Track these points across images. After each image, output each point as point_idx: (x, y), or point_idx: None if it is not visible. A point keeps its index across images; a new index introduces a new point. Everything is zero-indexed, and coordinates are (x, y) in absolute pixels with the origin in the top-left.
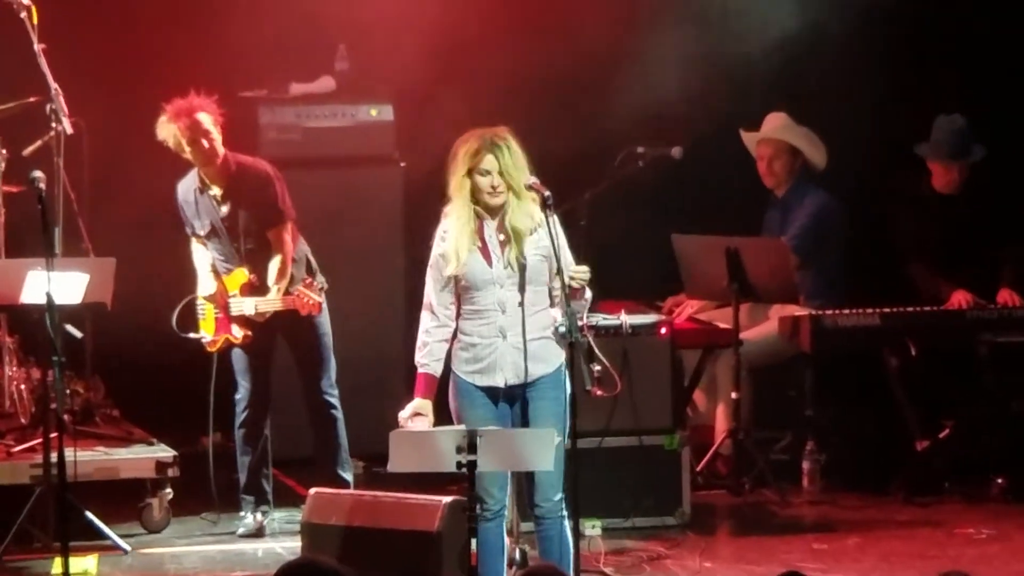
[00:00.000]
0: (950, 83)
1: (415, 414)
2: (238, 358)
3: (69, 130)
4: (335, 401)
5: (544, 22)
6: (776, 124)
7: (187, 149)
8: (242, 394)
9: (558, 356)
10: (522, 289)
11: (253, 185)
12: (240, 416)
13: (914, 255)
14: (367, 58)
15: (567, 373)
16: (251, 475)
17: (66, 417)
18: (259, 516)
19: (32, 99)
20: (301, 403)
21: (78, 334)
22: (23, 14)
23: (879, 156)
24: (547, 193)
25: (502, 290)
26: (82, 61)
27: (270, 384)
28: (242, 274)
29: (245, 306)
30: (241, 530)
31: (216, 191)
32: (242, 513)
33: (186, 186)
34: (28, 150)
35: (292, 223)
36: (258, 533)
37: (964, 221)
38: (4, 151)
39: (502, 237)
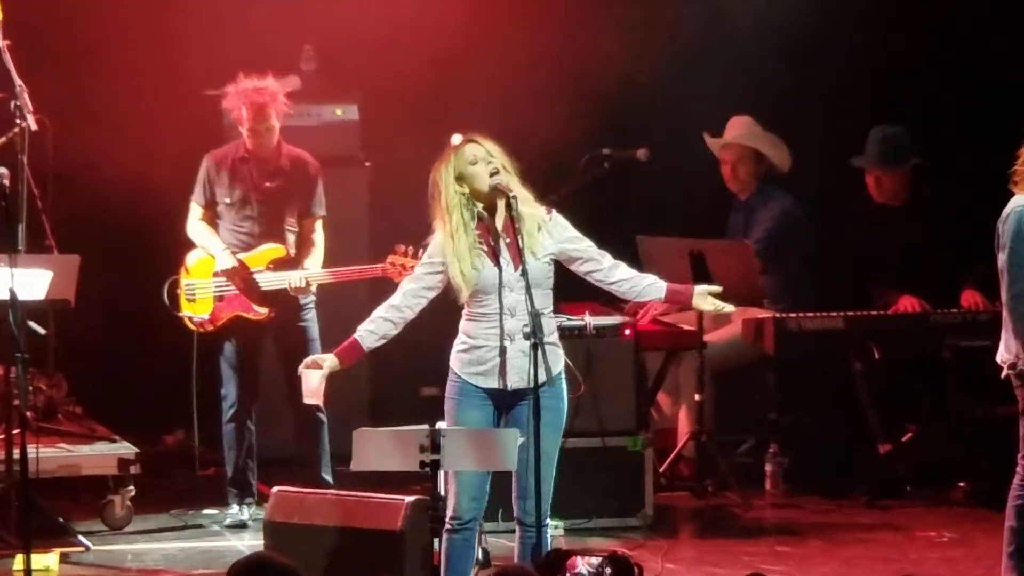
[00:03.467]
0: (900, 91)
1: (314, 363)
2: (228, 355)
3: (34, 127)
4: (321, 404)
5: (509, 23)
6: (740, 130)
7: (247, 126)
8: (229, 390)
9: (558, 363)
10: (528, 292)
11: (302, 173)
12: (228, 412)
13: (867, 266)
14: (333, 58)
15: (563, 378)
16: (237, 469)
17: (28, 414)
18: (244, 508)
19: None
20: (285, 404)
21: (41, 331)
22: None
23: (835, 163)
24: (512, 193)
25: (511, 294)
26: (47, 58)
27: (258, 382)
28: (278, 250)
29: (292, 278)
30: (227, 520)
31: (258, 167)
32: (229, 505)
33: (223, 153)
34: None
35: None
36: (243, 524)
37: (912, 230)
38: None
39: (508, 240)
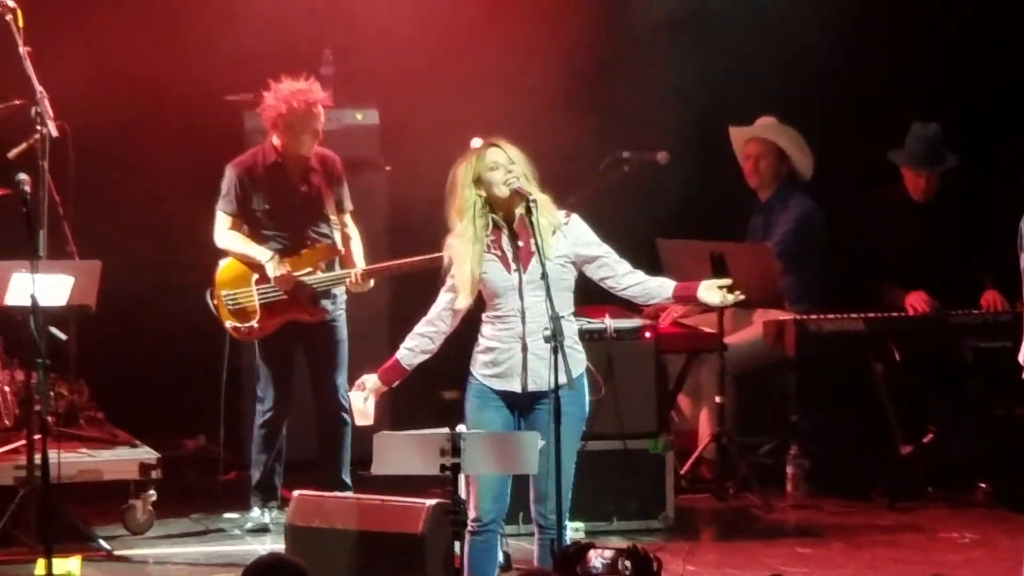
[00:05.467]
0: (926, 89)
1: (360, 384)
2: (263, 364)
3: (54, 133)
4: (347, 405)
5: (530, 27)
6: (766, 124)
7: (284, 132)
8: (267, 394)
9: (578, 367)
10: (546, 296)
11: (332, 170)
12: (263, 416)
13: (878, 266)
14: (353, 62)
15: (585, 383)
16: (265, 473)
17: (50, 419)
18: (267, 512)
19: (17, 102)
20: (309, 406)
21: (62, 336)
22: (8, 17)
23: (856, 163)
24: (533, 197)
25: (528, 296)
26: (67, 64)
27: (291, 388)
28: (329, 249)
29: (351, 273)
30: (249, 524)
31: (292, 170)
32: (251, 509)
33: (250, 161)
34: (13, 153)
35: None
36: (264, 529)
37: (939, 228)
38: None
39: (520, 244)
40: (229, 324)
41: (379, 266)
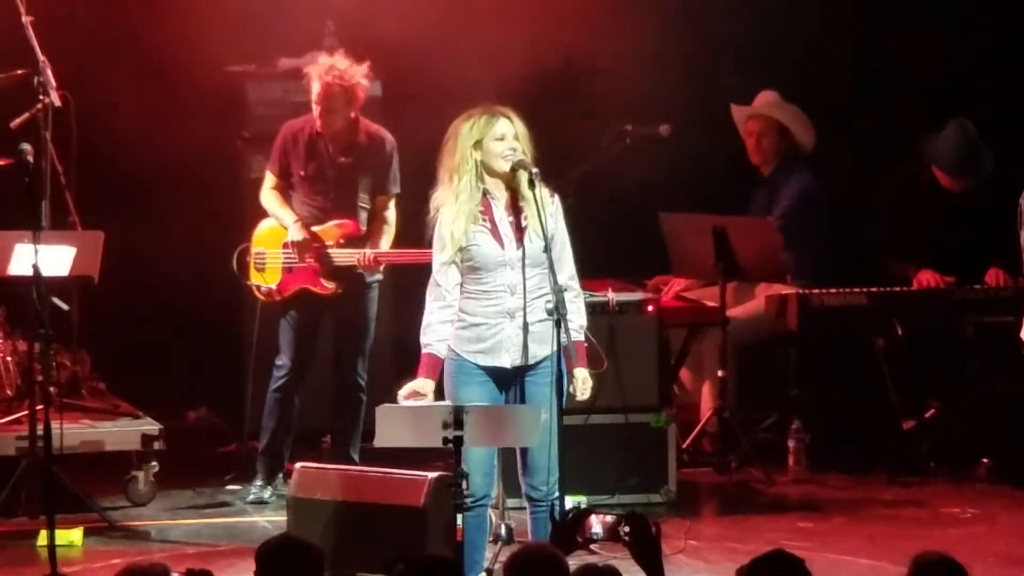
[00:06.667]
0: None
1: (413, 393)
2: (285, 328)
3: (57, 102)
4: (364, 384)
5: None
6: (767, 101)
7: (316, 107)
8: (284, 361)
9: (546, 346)
10: (550, 270)
11: (378, 149)
12: (278, 381)
13: (894, 245)
14: (355, 34)
15: (560, 353)
16: (273, 440)
17: (52, 390)
18: (268, 489)
19: (20, 72)
20: (327, 378)
21: (65, 307)
22: None
23: (860, 135)
24: (535, 170)
25: (513, 272)
26: (70, 33)
27: (312, 358)
28: (349, 226)
29: (360, 255)
30: (250, 497)
31: (332, 142)
32: (256, 478)
33: (300, 125)
34: (15, 123)
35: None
36: (263, 502)
37: (967, 220)
38: None
39: (511, 218)
40: (252, 282)
41: (389, 252)
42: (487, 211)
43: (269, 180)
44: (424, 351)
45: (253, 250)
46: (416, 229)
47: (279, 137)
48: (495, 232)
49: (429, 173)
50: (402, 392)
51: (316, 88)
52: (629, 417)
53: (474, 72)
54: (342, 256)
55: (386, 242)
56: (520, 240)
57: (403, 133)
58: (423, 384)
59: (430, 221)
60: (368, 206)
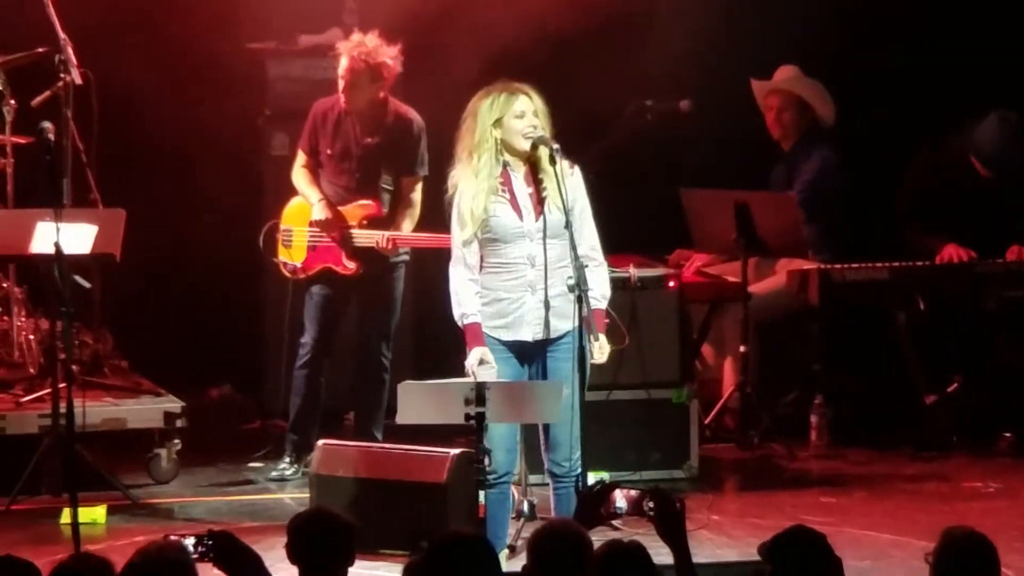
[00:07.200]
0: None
1: (482, 361)
2: (309, 305)
3: (78, 80)
4: (388, 364)
5: None
6: (787, 75)
7: (344, 80)
8: (307, 338)
9: (568, 320)
10: (571, 245)
11: (405, 131)
12: (302, 358)
13: (923, 221)
14: (375, 10)
15: (583, 328)
16: (300, 418)
17: (74, 368)
18: (294, 467)
19: (41, 50)
20: (350, 356)
21: (87, 285)
22: None
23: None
24: (556, 146)
25: (532, 244)
26: (90, 11)
27: (334, 335)
28: (372, 206)
29: (379, 236)
30: (273, 474)
31: (359, 121)
32: (285, 456)
33: (329, 104)
34: (37, 101)
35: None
36: (288, 478)
37: (998, 202)
38: (13, 102)
39: (531, 190)
40: (280, 259)
41: (408, 236)
42: (506, 182)
43: (300, 158)
44: (466, 322)
45: (281, 227)
46: (436, 213)
47: (310, 115)
48: (514, 203)
49: (449, 150)
50: (469, 362)
51: (343, 63)
52: (651, 393)
53: (494, 48)
54: (362, 237)
55: (409, 225)
56: (539, 212)
57: (424, 107)
58: (484, 351)
59: (447, 199)
60: (391, 188)
